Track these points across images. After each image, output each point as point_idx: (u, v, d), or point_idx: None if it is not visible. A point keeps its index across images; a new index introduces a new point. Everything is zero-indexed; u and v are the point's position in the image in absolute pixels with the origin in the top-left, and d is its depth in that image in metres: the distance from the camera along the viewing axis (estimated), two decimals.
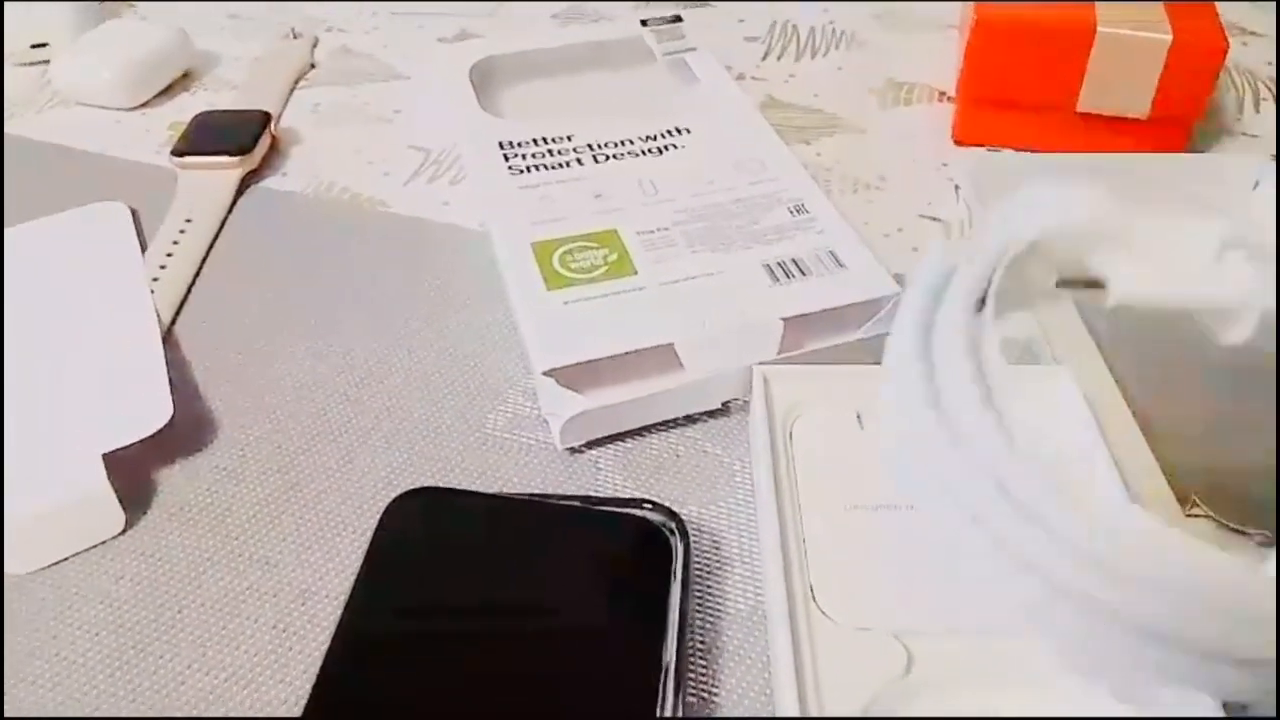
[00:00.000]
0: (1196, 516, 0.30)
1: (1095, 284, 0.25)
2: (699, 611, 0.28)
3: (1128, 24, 0.43)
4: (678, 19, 0.53)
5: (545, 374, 0.32)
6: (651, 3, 0.63)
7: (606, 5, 0.62)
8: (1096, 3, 0.44)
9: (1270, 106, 0.50)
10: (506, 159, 0.43)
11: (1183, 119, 0.45)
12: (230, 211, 0.45)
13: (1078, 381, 0.32)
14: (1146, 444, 0.32)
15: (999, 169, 0.45)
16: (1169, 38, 0.42)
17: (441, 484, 0.32)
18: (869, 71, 0.54)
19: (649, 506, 0.29)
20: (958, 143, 0.48)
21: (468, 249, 0.42)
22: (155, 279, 0.40)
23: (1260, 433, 0.31)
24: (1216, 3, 0.45)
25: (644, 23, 0.53)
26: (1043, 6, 0.44)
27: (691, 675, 0.27)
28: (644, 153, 0.44)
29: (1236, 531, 0.29)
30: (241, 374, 0.36)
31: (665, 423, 0.34)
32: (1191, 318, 0.27)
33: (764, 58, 0.56)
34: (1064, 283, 0.25)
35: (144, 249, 0.42)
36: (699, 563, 0.29)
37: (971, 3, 0.46)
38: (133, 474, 0.32)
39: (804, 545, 0.28)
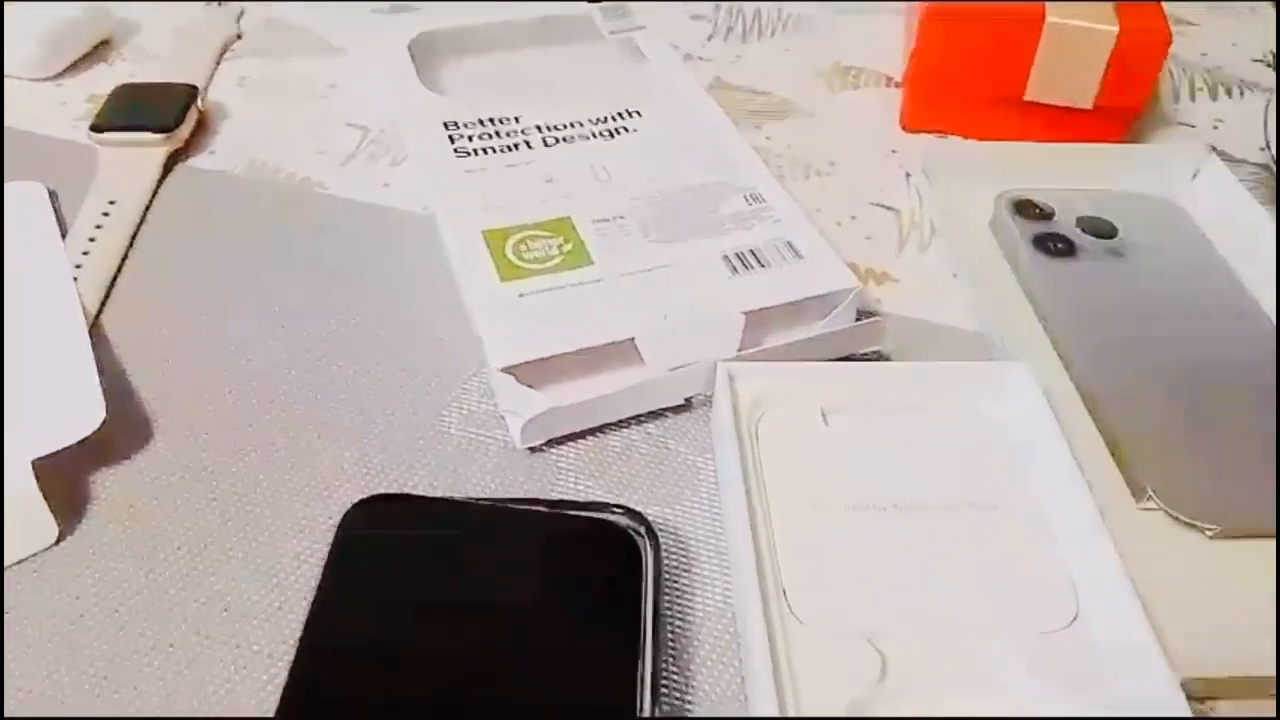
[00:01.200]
0: (1150, 510, 0.30)
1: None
2: (669, 614, 0.28)
3: (1075, 15, 0.43)
4: None
5: (504, 371, 0.32)
6: None
7: None
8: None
9: (1205, 97, 0.52)
10: (452, 140, 0.42)
11: (1125, 110, 0.45)
12: (156, 192, 0.43)
13: (1033, 375, 0.32)
14: (1100, 436, 0.33)
15: (949, 156, 0.45)
16: (1115, 29, 0.42)
17: (397, 485, 0.31)
18: (817, 54, 0.54)
19: (618, 510, 0.28)
20: (905, 129, 0.48)
21: (412, 233, 0.40)
22: (78, 265, 0.38)
23: (1217, 427, 0.32)
24: None
25: None
26: None
27: (665, 680, 0.26)
28: (594, 135, 0.43)
29: (1189, 525, 0.30)
30: (176, 368, 0.34)
31: (626, 419, 0.33)
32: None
33: (710, 38, 0.55)
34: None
35: (64, 233, 0.39)
36: (666, 563, 0.29)
37: None
38: (65, 480, 0.30)
39: (774, 547, 0.27)
